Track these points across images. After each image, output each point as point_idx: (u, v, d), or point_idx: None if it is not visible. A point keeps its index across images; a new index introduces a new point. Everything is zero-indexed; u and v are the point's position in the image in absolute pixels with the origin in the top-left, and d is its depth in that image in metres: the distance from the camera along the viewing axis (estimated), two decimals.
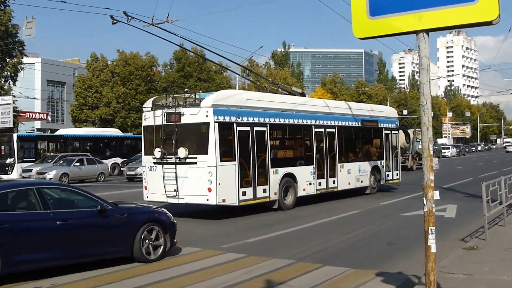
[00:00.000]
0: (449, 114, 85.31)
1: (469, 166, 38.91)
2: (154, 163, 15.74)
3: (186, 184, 15.00)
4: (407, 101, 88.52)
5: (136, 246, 8.82)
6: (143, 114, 16.13)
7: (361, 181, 20.21)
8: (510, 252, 8.98)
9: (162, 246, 9.16)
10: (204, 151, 14.65)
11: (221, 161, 14.73)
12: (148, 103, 16.15)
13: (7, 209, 7.71)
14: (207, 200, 14.50)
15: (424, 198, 5.38)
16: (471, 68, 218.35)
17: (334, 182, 18.65)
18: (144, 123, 16.19)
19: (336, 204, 17.63)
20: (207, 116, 14.76)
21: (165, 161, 15.36)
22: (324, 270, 8.35)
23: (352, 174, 19.65)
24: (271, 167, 16.12)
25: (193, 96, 15.22)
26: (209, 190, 14.51)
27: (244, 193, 15.30)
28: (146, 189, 15.95)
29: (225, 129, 15.06)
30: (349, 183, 19.49)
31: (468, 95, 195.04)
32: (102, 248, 8.44)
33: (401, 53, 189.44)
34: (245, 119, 15.54)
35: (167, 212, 9.50)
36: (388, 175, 22.06)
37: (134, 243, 8.80)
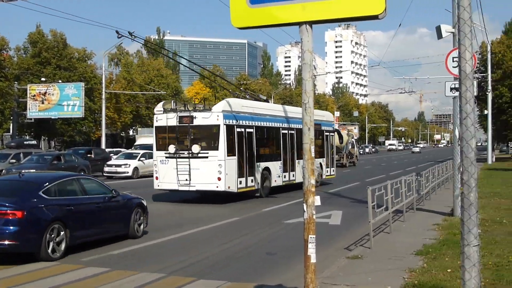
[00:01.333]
0: (337, 114, 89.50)
1: (356, 170, 41.11)
2: (166, 157, 20.74)
3: (197, 174, 20.25)
4: (293, 98, 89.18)
5: (131, 225, 12.46)
6: (155, 116, 21.25)
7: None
8: (394, 261, 9.43)
9: (143, 225, 12.85)
10: (215, 148, 20.01)
11: (227, 156, 20.11)
12: (159, 107, 21.16)
13: (66, 195, 10.91)
14: (217, 187, 19.82)
15: (304, 204, 5.40)
16: (361, 64, 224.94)
17: (293, 175, 24.30)
18: (156, 124, 21.18)
19: (215, 210, 18.35)
20: (217, 119, 20.07)
21: (178, 156, 20.45)
22: (197, 284, 8.32)
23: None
24: (256, 161, 21.74)
25: (203, 103, 21.09)
26: (219, 179, 19.88)
27: (240, 182, 20.70)
28: (157, 179, 20.85)
29: (229, 130, 20.40)
30: (303, 177, 22.89)
31: (357, 94, 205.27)
32: (115, 226, 12.06)
33: (287, 46, 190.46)
34: (241, 122, 21.04)
35: (143, 198, 13.23)
36: (327, 171, 28.07)
37: (130, 222, 12.43)
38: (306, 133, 5.57)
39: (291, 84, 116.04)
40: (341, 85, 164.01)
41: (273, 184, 22.89)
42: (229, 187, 20.26)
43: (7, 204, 9.83)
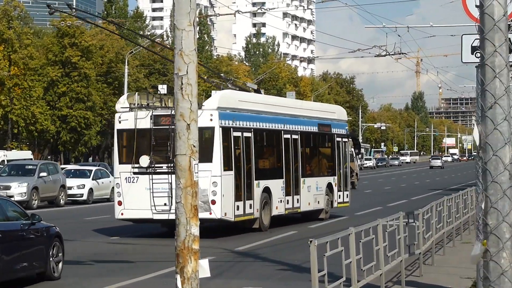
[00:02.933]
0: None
1: (355, 195, 40.00)
2: (135, 173, 19.23)
3: None
4: (168, 67, 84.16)
5: (49, 263, 12.81)
6: (118, 115, 19.55)
7: (318, 201, 24.14)
8: None
9: (61, 263, 13.20)
10: (208, 159, 18.35)
11: (223, 170, 18.86)
12: (123, 102, 19.69)
13: None
14: (210, 214, 18.41)
15: (178, 278, 3.95)
16: (302, 0, 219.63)
17: (298, 201, 22.81)
18: (119, 126, 19.56)
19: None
20: (211, 120, 18.75)
21: (153, 171, 18.97)
22: None
23: (311, 192, 23.76)
24: (255, 179, 20.51)
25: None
26: (213, 202, 18.48)
27: (237, 208, 19.46)
28: (120, 204, 19.29)
29: (226, 134, 19.20)
30: (309, 203, 23.59)
31: (295, 57, 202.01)
32: (30, 263, 12.57)
33: None
34: (238, 124, 19.95)
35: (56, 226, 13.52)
36: (339, 195, 25.25)
37: (48, 259, 12.80)
38: (183, 135, 3.85)
39: (164, 37, 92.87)
40: (263, 39, 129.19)
41: (274, 212, 21.44)
42: (225, 214, 18.89)
43: None
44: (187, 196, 3.96)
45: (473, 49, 12.01)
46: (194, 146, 4.00)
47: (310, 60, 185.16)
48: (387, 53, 36.02)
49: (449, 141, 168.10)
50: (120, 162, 19.65)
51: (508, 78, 4.22)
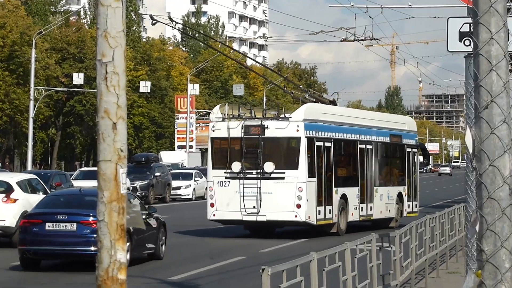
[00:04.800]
0: (194, 88, 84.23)
1: None
2: (227, 177, 25.38)
3: (270, 200, 24.82)
4: (86, 53, 79.79)
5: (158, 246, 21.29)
6: (212, 124, 26.11)
7: (389, 210, 30.09)
8: None
9: (164, 245, 21.47)
10: (294, 166, 24.90)
11: (308, 177, 24.98)
12: (217, 113, 26.06)
13: None
14: (296, 216, 24.73)
15: None
16: None
17: (371, 208, 28.89)
18: (213, 135, 25.95)
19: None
20: (297, 130, 24.92)
21: (243, 176, 25.15)
22: None
23: (383, 200, 29.97)
24: (334, 186, 26.70)
25: (276, 108, 26.29)
26: (298, 206, 24.55)
27: (319, 212, 25.60)
28: (212, 206, 25.47)
29: (310, 144, 25.27)
30: (380, 211, 29.70)
31: (243, 40, 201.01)
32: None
33: None
34: (320, 134, 26.10)
35: None
36: (409, 205, 31.24)
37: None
38: (108, 136, 3.79)
39: (82, 15, 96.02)
40: (204, 19, 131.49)
41: (350, 218, 27.50)
42: (309, 217, 24.98)
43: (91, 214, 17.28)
44: (111, 213, 3.89)
45: (462, 36, 12.20)
46: (121, 151, 3.93)
47: (262, 46, 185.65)
48: (356, 38, 36.12)
49: (431, 147, 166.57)
50: (213, 167, 25.87)
51: (507, 71, 4.27)
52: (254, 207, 24.68)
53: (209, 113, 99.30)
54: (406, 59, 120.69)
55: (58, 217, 19.15)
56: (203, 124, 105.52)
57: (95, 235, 15.39)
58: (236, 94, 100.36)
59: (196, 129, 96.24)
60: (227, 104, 27.27)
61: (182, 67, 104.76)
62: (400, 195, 30.76)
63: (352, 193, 27.59)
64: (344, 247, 11.08)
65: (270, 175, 24.90)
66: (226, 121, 25.47)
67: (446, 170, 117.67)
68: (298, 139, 24.87)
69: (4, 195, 23.87)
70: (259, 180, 24.86)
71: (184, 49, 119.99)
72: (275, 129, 25.08)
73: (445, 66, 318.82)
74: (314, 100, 29.35)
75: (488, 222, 4.16)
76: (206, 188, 25.77)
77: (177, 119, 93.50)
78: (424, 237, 16.76)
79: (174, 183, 49.78)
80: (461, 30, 12.20)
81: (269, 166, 24.88)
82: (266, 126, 25.12)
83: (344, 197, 26.97)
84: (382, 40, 43.69)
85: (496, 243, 4.13)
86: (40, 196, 23.56)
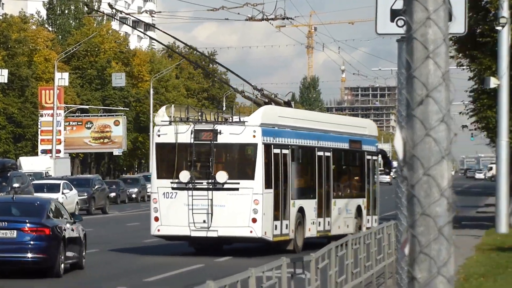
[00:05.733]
0: (62, 78, 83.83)
1: None
2: (174, 188, 27.20)
3: (222, 214, 26.57)
4: None
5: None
6: (157, 128, 27.95)
7: (347, 225, 32.67)
8: None
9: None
10: (250, 176, 26.94)
11: (265, 188, 26.86)
12: (163, 116, 27.80)
13: None
14: (251, 232, 26.59)
15: None
16: None
17: (329, 223, 31.53)
18: (159, 140, 27.83)
19: None
20: (254, 136, 26.76)
21: (192, 187, 26.93)
22: None
23: (341, 214, 32.74)
24: (291, 198, 29.01)
25: (229, 111, 29.57)
26: (254, 220, 26.51)
27: (275, 227, 27.62)
28: (157, 220, 27.49)
29: (267, 151, 27.24)
30: (339, 227, 32.26)
31: (122, 15, 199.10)
32: None
33: None
34: (278, 140, 28.08)
35: None
36: (368, 220, 33.75)
37: None
38: None
39: None
40: None
41: (307, 234, 29.87)
42: (265, 233, 27.02)
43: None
44: None
45: (394, 14, 12.52)
46: None
47: (148, 26, 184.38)
48: (265, 17, 36.34)
49: None
50: (158, 177, 27.81)
51: (447, 59, 4.33)
52: (204, 221, 26.69)
53: (82, 108, 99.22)
54: (326, 43, 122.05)
55: (1, 224, 24.14)
56: (73, 123, 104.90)
57: (32, 242, 22.81)
58: (116, 85, 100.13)
59: (65, 130, 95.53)
60: (173, 105, 29.21)
61: (47, 51, 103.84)
62: (359, 208, 33.38)
63: (310, 206, 30.19)
64: (247, 274, 11.18)
65: (223, 185, 26.83)
66: (174, 125, 27.34)
67: (386, 178, 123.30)
68: (254, 145, 26.95)
69: None
70: (210, 191, 26.82)
71: (50, 28, 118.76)
72: (229, 134, 26.99)
73: (374, 53, 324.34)
74: (267, 100, 31.79)
75: (422, 243, 4.17)
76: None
77: (41, 116, 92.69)
78: (345, 262, 17.02)
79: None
80: (393, 8, 12.49)
81: (221, 176, 26.77)
82: (219, 131, 27.02)
83: (301, 210, 29.48)
84: (297, 19, 44.36)
85: (431, 270, 4.16)
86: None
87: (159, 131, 27.61)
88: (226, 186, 26.73)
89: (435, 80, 4.26)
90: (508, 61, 40.18)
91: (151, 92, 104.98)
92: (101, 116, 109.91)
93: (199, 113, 28.40)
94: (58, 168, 75.91)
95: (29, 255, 23.59)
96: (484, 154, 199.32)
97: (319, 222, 30.60)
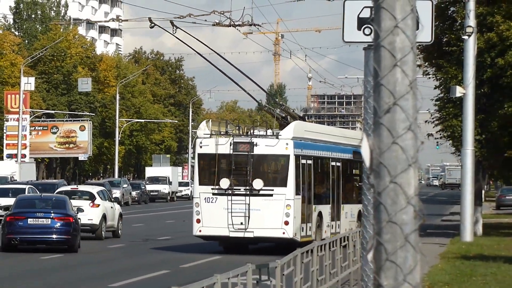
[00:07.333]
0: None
1: None
2: (214, 194, 31.43)
3: (257, 217, 30.67)
4: None
5: None
6: (199, 140, 32.45)
7: (351, 228, 33.81)
8: None
9: None
10: (283, 184, 31.31)
11: (295, 194, 31.19)
12: (204, 129, 32.09)
13: None
14: (283, 233, 30.90)
15: None
16: None
17: (338, 226, 36.05)
18: (201, 151, 32.22)
19: None
20: (286, 148, 31.00)
21: (231, 192, 31.08)
22: None
23: (347, 218, 37.51)
24: (313, 204, 33.60)
25: (264, 126, 31.66)
26: (286, 223, 30.73)
27: (302, 229, 31.87)
28: (198, 222, 31.67)
29: (297, 162, 31.38)
30: (345, 229, 34.43)
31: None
32: None
33: None
34: (305, 152, 32.66)
35: None
36: None
37: None
38: None
39: None
40: None
41: (323, 235, 33.41)
42: (295, 234, 30.99)
43: None
44: None
45: (361, 22, 12.50)
46: None
47: (115, 31, 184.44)
48: (232, 23, 36.11)
49: None
50: (200, 183, 31.84)
51: (414, 68, 4.33)
52: (241, 223, 30.55)
53: (47, 113, 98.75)
54: (293, 50, 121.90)
55: (37, 214, 34.89)
56: (39, 128, 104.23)
57: (60, 227, 34.48)
58: (82, 90, 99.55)
59: (30, 134, 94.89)
60: (211, 120, 34.32)
61: (14, 56, 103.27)
62: (359, 213, 36.05)
63: (326, 210, 34.46)
64: (213, 280, 11.13)
65: (259, 192, 30.76)
66: (214, 138, 31.32)
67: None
68: (287, 157, 30.90)
69: (90, 201, 42.37)
70: (247, 197, 30.71)
71: (17, 33, 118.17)
72: (264, 146, 30.89)
73: (342, 60, 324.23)
74: (283, 115, 35.43)
75: (388, 251, 4.16)
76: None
77: (7, 121, 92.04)
78: (311, 269, 17.02)
79: (2, 201, 49.85)
80: (360, 16, 12.47)
81: (258, 183, 30.63)
82: (255, 143, 30.89)
83: (320, 214, 33.74)
84: (265, 26, 44.23)
85: (397, 277, 4.15)
86: (110, 203, 44.32)
87: (201, 142, 31.69)
88: (261, 192, 30.72)
89: (402, 89, 4.25)
90: (474, 70, 40.44)
91: (117, 97, 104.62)
92: (66, 121, 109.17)
93: (237, 127, 32.80)
94: (23, 173, 75.32)
95: (57, 236, 34.43)
96: (449, 163, 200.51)
97: (332, 225, 34.78)
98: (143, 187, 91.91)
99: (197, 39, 36.94)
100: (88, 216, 41.76)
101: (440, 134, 53.43)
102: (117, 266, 30.54)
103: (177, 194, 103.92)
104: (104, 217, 42.43)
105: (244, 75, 41.72)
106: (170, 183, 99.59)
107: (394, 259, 4.14)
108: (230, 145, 30.84)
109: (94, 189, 47.04)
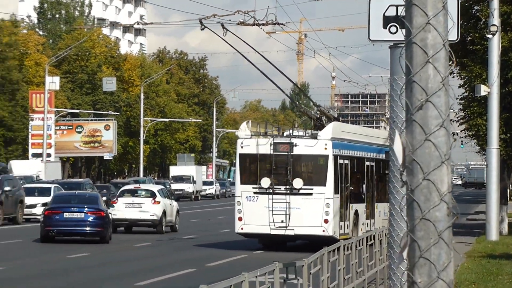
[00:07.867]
0: None
1: None
2: (255, 193, 32.59)
3: (298, 215, 31.80)
4: None
5: None
6: (240, 140, 33.29)
7: (384, 227, 33.20)
8: None
9: None
10: (322, 183, 32.36)
11: (334, 193, 32.30)
12: (245, 130, 33.14)
13: None
14: (323, 231, 31.94)
15: None
16: None
17: (373, 224, 37.10)
18: (242, 151, 33.21)
19: None
20: (325, 148, 32.12)
21: (272, 191, 32.17)
22: None
23: (381, 217, 38.35)
24: (350, 202, 34.78)
25: (302, 127, 34.22)
26: (326, 221, 31.82)
27: (341, 227, 33.11)
28: (240, 220, 32.71)
29: (336, 162, 32.62)
30: (378, 228, 33.33)
31: None
32: None
33: None
34: (342, 152, 33.79)
35: None
36: None
37: None
38: None
39: None
40: None
41: (359, 233, 33.58)
42: (334, 232, 31.96)
43: None
44: None
45: (387, 21, 12.40)
46: None
47: (139, 30, 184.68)
48: (256, 22, 36.08)
49: None
50: (242, 183, 32.84)
51: (446, 64, 4.31)
52: (282, 221, 31.51)
53: (72, 113, 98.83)
54: (317, 50, 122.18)
55: (72, 209, 38.27)
56: (64, 127, 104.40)
57: (93, 221, 38.43)
58: (107, 90, 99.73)
59: (55, 133, 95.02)
60: (250, 121, 35.15)
61: (38, 55, 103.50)
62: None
63: (361, 209, 35.79)
64: (241, 279, 11.14)
65: (299, 191, 31.77)
66: (255, 138, 32.46)
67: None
68: (326, 157, 31.92)
69: (152, 198, 45.34)
70: (288, 196, 31.68)
71: (41, 32, 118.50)
72: (304, 146, 31.84)
73: (367, 59, 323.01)
74: (318, 115, 36.54)
75: (422, 248, 4.15)
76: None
77: (32, 120, 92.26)
78: (337, 268, 16.96)
79: (28, 200, 50.49)
80: (386, 14, 12.37)
81: (298, 182, 31.66)
82: (294, 143, 31.88)
83: (356, 213, 34.95)
84: (288, 25, 44.16)
85: (431, 274, 4.14)
86: (169, 200, 47.46)
87: (242, 143, 32.64)
88: (301, 191, 31.70)
89: (434, 85, 4.23)
90: (498, 69, 40.17)
91: (142, 97, 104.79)
92: (91, 120, 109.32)
93: (277, 128, 34.47)
94: (48, 172, 75.46)
95: (90, 229, 38.32)
96: (474, 162, 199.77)
97: (367, 223, 35.98)
98: (167, 186, 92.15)
99: (247, 43, 37.05)
100: (150, 212, 45.21)
101: (465, 133, 53.14)
102: (143, 265, 30.77)
103: (201, 193, 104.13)
104: (164, 213, 45.80)
105: (288, 79, 44.06)
106: (194, 182, 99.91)
107: (428, 256, 4.12)
108: (271, 146, 31.80)
109: (154, 188, 50.93)
